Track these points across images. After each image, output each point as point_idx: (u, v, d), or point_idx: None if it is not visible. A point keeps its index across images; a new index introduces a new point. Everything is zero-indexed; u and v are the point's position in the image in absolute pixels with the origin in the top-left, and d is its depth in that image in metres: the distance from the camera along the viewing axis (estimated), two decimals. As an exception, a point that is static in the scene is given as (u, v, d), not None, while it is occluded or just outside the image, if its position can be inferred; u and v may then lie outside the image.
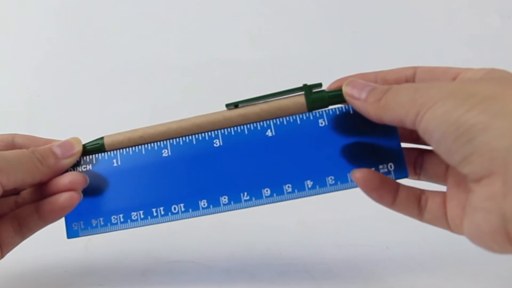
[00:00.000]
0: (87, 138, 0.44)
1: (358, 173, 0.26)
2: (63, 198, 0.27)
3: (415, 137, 0.28)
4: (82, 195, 0.28)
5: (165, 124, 0.30)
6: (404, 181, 0.27)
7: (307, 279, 0.33)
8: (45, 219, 0.28)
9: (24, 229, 0.28)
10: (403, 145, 0.28)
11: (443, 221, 0.25)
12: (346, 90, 0.27)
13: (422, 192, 0.26)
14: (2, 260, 0.31)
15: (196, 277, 0.34)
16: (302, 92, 0.29)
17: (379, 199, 0.26)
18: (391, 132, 0.28)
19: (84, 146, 0.30)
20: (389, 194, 0.26)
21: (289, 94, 0.29)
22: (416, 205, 0.26)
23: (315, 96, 0.28)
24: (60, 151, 0.29)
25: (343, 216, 0.37)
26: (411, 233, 0.37)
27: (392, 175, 0.27)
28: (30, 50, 0.57)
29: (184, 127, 0.29)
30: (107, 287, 0.33)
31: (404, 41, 0.57)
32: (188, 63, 0.55)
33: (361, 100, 0.26)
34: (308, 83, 0.29)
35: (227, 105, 0.29)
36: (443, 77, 0.27)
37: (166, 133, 0.30)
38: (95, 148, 0.30)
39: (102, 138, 0.30)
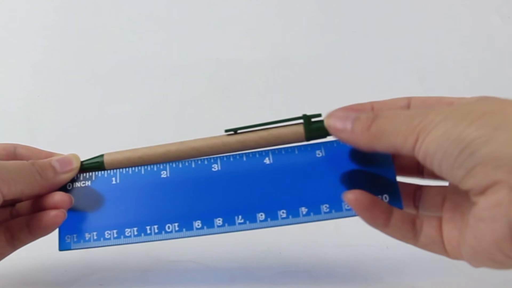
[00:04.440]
0: (86, 138, 0.45)
1: (350, 195, 0.26)
2: (48, 217, 0.28)
3: (411, 167, 0.29)
4: (66, 214, 0.29)
5: (164, 145, 0.30)
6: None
7: (307, 279, 0.33)
8: (34, 234, 0.29)
9: (15, 241, 0.29)
10: (402, 179, 0.28)
11: (439, 245, 0.25)
12: (328, 122, 0.26)
13: (416, 216, 0.26)
14: (2, 260, 0.31)
15: (196, 277, 0.34)
16: (301, 121, 0.29)
17: (372, 219, 0.26)
18: (386, 164, 0.28)
19: (83, 163, 0.30)
20: (382, 215, 0.26)
21: (288, 122, 0.29)
22: (410, 228, 0.26)
23: (313, 127, 0.28)
24: (59, 165, 0.29)
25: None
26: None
27: None
28: (29, 50, 0.57)
29: (183, 150, 0.30)
30: (107, 287, 0.33)
31: (404, 41, 0.57)
32: (188, 63, 0.55)
33: (347, 132, 0.25)
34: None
35: (227, 131, 0.29)
36: (437, 106, 0.27)
37: (165, 155, 0.30)
38: (95, 166, 0.30)
39: (102, 155, 0.30)
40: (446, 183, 0.27)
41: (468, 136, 0.20)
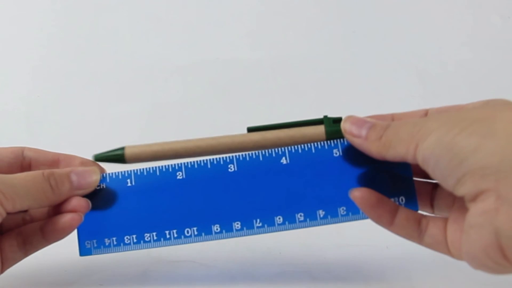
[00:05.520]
0: (87, 138, 0.44)
1: (356, 192, 0.26)
2: (64, 219, 0.28)
3: (418, 171, 0.29)
4: (83, 218, 0.28)
5: (185, 141, 0.30)
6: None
7: (307, 279, 0.33)
8: (48, 239, 0.28)
9: (28, 246, 0.29)
10: (419, 179, 0.28)
11: (443, 245, 0.25)
12: (345, 126, 0.27)
13: (423, 216, 0.26)
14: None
15: (196, 277, 0.34)
16: (322, 120, 0.29)
17: (377, 218, 0.26)
18: (403, 165, 0.28)
19: (102, 155, 0.30)
20: (387, 214, 0.26)
21: (310, 124, 0.29)
22: (416, 227, 0.26)
23: (335, 129, 0.28)
24: (77, 180, 0.29)
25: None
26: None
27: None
28: (30, 50, 0.57)
29: (203, 146, 0.29)
30: (107, 287, 0.33)
31: (404, 41, 0.57)
32: (188, 63, 0.55)
33: (361, 138, 0.26)
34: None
35: (249, 129, 0.29)
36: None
37: (189, 150, 0.29)
38: (115, 157, 0.30)
39: (123, 148, 0.30)
40: None
41: (458, 144, 0.21)
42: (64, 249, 0.31)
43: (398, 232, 0.26)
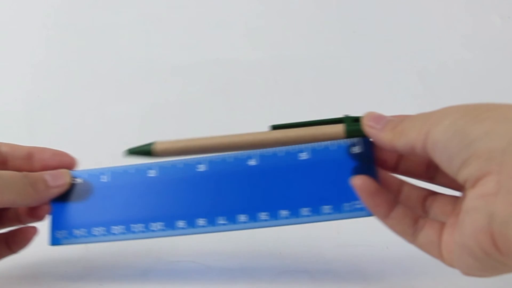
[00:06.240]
0: (87, 137, 0.44)
1: (357, 179, 0.27)
2: (22, 233, 0.31)
3: (431, 175, 0.29)
4: (38, 230, 0.31)
5: (214, 137, 0.30)
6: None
7: (307, 279, 0.33)
8: (12, 248, 0.31)
9: None
10: (419, 183, 0.29)
11: (436, 247, 0.25)
12: (365, 120, 0.28)
13: (421, 216, 0.27)
14: (2, 260, 0.31)
15: (196, 277, 0.34)
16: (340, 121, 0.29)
17: (374, 207, 0.27)
18: (367, 164, 0.28)
19: (133, 150, 0.31)
20: (385, 204, 0.26)
21: (330, 122, 0.30)
22: (411, 224, 0.26)
23: (355, 128, 0.29)
24: (51, 179, 0.31)
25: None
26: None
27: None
28: (29, 50, 0.57)
29: (228, 144, 0.30)
30: (107, 287, 0.33)
31: (404, 41, 0.57)
32: (188, 63, 0.55)
33: (377, 129, 0.27)
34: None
35: (273, 127, 0.30)
36: None
37: (214, 146, 0.30)
38: (143, 151, 0.31)
39: (151, 144, 0.30)
40: (458, 193, 0.27)
41: (469, 128, 0.21)
42: (63, 249, 0.31)
43: (393, 226, 0.27)
